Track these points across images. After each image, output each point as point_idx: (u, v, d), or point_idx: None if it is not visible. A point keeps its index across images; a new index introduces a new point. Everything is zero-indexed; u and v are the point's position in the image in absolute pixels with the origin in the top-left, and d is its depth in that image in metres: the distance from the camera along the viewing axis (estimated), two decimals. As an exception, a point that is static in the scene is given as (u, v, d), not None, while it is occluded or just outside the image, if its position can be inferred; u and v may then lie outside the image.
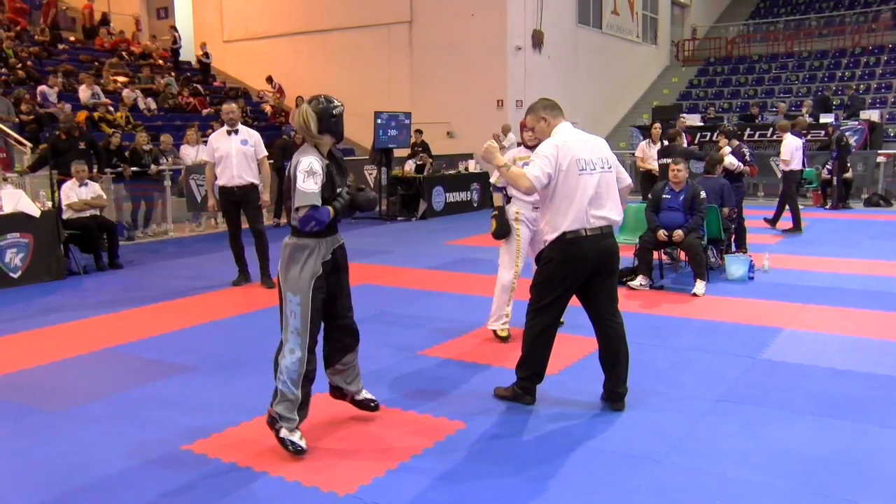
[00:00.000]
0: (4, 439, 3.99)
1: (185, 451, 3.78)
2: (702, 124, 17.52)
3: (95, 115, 13.70)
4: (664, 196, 7.54)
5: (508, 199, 5.57)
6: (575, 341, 5.51)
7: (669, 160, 7.96)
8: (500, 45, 17.82)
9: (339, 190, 3.73)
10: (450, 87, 18.16)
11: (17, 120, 12.47)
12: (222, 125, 7.95)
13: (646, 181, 11.55)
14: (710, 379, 4.78)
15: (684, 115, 18.24)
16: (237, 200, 7.77)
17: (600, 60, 21.09)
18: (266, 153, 8.03)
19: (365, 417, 4.22)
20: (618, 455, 3.67)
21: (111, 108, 14.30)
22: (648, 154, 11.62)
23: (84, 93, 14.51)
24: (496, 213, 5.55)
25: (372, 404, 4.17)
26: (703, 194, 7.41)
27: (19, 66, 14.90)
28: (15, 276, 8.09)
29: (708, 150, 10.58)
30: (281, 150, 12.81)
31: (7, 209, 8.17)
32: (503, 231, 5.55)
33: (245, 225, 7.87)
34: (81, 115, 13.23)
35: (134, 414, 4.33)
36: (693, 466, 3.53)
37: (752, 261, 7.90)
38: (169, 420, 4.22)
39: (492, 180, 5.66)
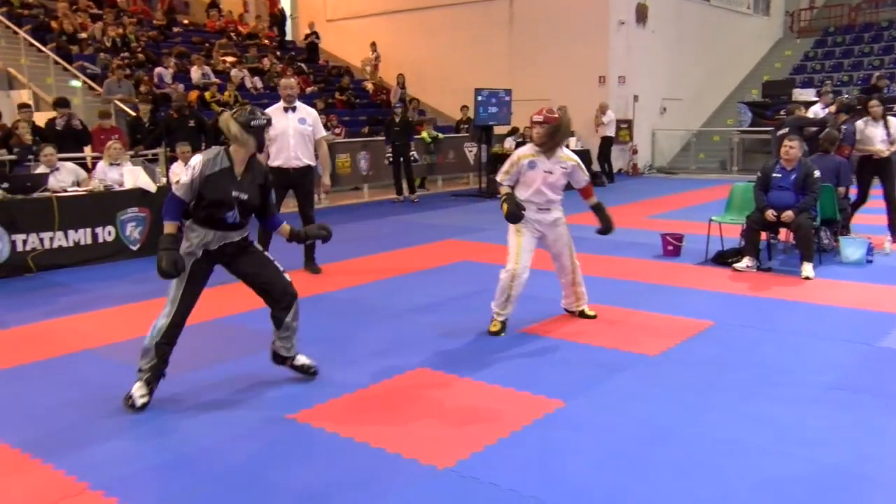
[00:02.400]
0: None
1: (290, 420, 3.92)
2: (816, 99, 16.64)
3: (206, 94, 14.24)
4: (774, 175, 7.21)
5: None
6: (675, 322, 5.40)
7: (783, 132, 7.60)
8: (601, 20, 17.42)
9: (234, 194, 4.12)
10: (550, 63, 17.91)
11: (136, 100, 13.08)
12: (285, 103, 7.21)
13: (867, 166, 8.66)
14: (821, 366, 4.58)
15: (798, 89, 17.44)
16: (291, 184, 7.24)
17: (707, 34, 20.31)
18: (325, 133, 7.43)
19: (464, 393, 4.26)
20: (720, 441, 3.58)
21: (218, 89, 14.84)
22: (870, 136, 8.65)
23: (195, 73, 15.11)
24: (505, 197, 5.32)
25: (311, 370, 4.50)
26: (816, 173, 7.05)
27: (139, 49, 15.63)
28: (134, 248, 8.54)
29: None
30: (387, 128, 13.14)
31: (128, 185, 8.63)
32: (516, 212, 5.28)
33: (283, 210, 7.14)
34: (193, 95, 13.80)
35: (240, 383, 4.51)
36: (802, 455, 3.41)
37: (871, 243, 7.50)
38: (273, 389, 4.39)
39: (499, 178, 5.48)
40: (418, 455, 3.47)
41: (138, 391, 4.09)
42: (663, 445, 3.56)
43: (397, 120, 13.19)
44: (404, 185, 13.55)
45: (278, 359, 4.48)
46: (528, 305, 6.10)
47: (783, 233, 7.78)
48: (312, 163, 7.33)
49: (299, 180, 7.26)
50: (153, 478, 3.34)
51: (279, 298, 4.33)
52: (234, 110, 4.21)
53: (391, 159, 13.43)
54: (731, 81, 22.06)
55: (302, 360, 4.51)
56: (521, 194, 5.35)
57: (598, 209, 5.56)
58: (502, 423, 3.82)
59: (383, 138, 13.81)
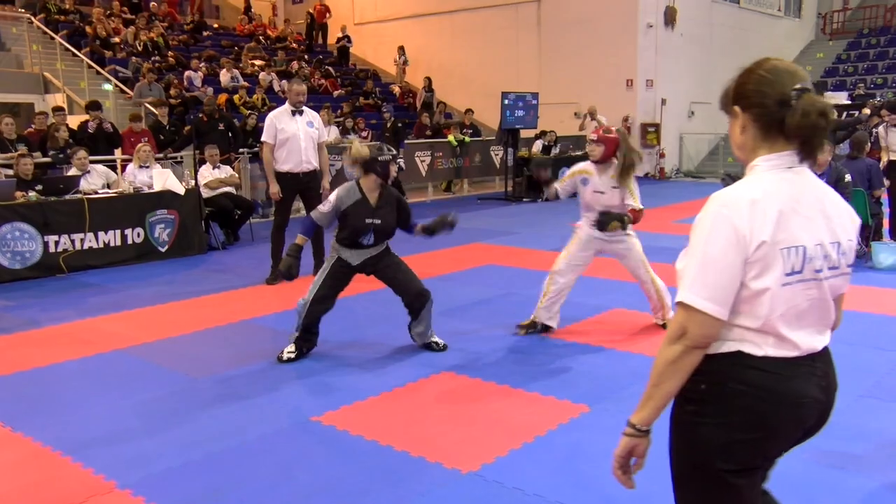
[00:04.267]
0: (159, 401, 4.29)
1: (315, 423, 3.94)
2: (848, 102, 16.42)
3: (235, 97, 14.39)
4: (805, 179, 7.10)
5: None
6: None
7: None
8: (630, 23, 17.33)
9: (367, 222, 4.81)
10: (578, 66, 17.86)
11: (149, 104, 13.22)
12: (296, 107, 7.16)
13: (893, 172, 8.71)
14: (853, 372, 4.48)
15: (829, 92, 17.20)
16: (300, 188, 7.23)
17: (737, 37, 20.11)
18: (327, 137, 7.39)
19: (489, 397, 4.25)
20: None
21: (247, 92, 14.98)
22: (892, 141, 8.76)
23: (224, 76, 15.27)
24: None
25: (440, 346, 5.11)
26: (847, 177, 6.94)
27: (170, 53, 15.84)
28: (163, 249, 8.64)
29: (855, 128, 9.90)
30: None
31: (157, 187, 8.74)
32: (538, 165, 5.63)
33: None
34: (222, 98, 13.94)
35: (266, 384, 4.55)
36: (830, 463, 3.35)
37: (903, 249, 7.37)
38: (298, 391, 4.42)
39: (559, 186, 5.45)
40: (442, 459, 3.47)
41: (287, 349, 4.97)
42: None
43: (388, 125, 13.07)
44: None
45: (417, 341, 5.16)
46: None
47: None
48: (318, 166, 7.33)
49: (308, 184, 7.24)
50: (180, 477, 3.37)
51: (414, 299, 4.99)
52: (364, 144, 4.95)
53: None
54: (762, 84, 21.78)
55: (434, 338, 5.15)
56: (582, 211, 5.40)
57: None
58: (527, 427, 3.80)
59: (413, 141, 13.82)
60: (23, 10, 16.33)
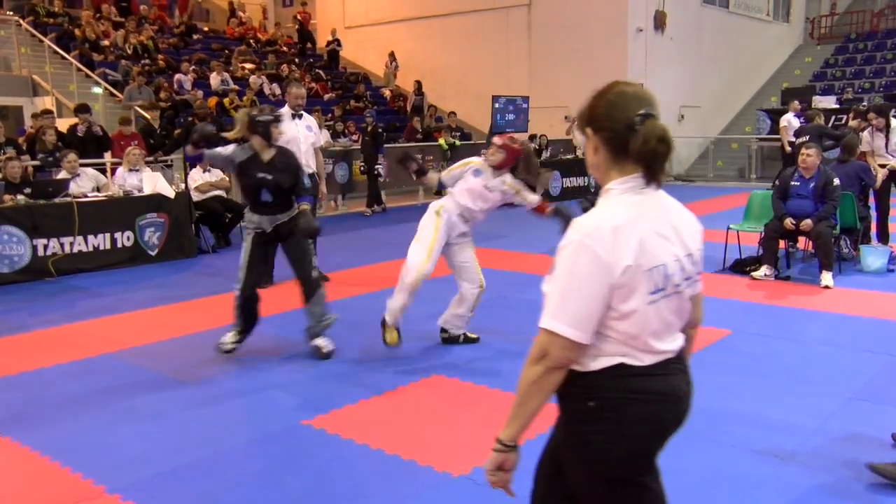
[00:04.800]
0: (149, 405, 4.28)
1: (306, 426, 3.93)
2: (837, 106, 16.53)
3: (225, 101, 14.36)
4: (793, 182, 7.15)
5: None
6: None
7: (802, 140, 7.56)
8: (620, 27, 17.40)
9: (259, 175, 4.89)
10: (568, 70, 17.89)
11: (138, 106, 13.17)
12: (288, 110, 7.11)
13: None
14: (841, 375, 4.53)
15: (817, 96, 17.31)
16: None
17: (726, 41, 20.23)
18: (322, 142, 7.29)
19: (480, 400, 4.26)
20: (739, 450, 3.55)
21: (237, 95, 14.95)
22: (878, 146, 8.63)
23: (214, 80, 15.24)
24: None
25: (323, 352, 5.04)
26: (836, 181, 6.98)
27: (160, 56, 15.80)
28: (153, 253, 8.61)
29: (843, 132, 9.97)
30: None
31: (147, 190, 8.71)
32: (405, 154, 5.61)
33: None
34: (212, 101, 13.91)
35: (256, 387, 4.53)
36: (820, 466, 3.37)
37: (893, 251, 7.42)
38: (289, 395, 4.41)
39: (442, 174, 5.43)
40: (434, 462, 3.47)
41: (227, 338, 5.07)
42: (682, 453, 3.52)
43: (368, 129, 13.04)
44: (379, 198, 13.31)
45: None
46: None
47: (802, 241, 7.72)
48: (316, 170, 7.31)
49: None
50: (170, 481, 3.36)
51: (303, 284, 5.04)
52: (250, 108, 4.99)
53: (363, 170, 12.96)
54: (751, 89, 21.95)
55: (320, 342, 5.09)
56: (462, 199, 5.24)
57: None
58: (518, 430, 3.80)
59: (397, 145, 13.79)
60: (11, 13, 16.25)
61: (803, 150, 7.15)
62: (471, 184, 5.23)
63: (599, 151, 1.84)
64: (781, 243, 7.31)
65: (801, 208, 6.99)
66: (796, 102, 13.01)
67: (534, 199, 5.30)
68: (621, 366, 1.79)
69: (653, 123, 1.76)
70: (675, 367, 1.88)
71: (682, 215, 1.89)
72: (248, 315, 5.05)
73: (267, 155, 4.95)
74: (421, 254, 5.03)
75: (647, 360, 1.81)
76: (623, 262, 1.72)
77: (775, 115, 18.18)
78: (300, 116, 7.17)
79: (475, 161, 5.32)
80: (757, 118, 18.78)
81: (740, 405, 4.10)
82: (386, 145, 13.25)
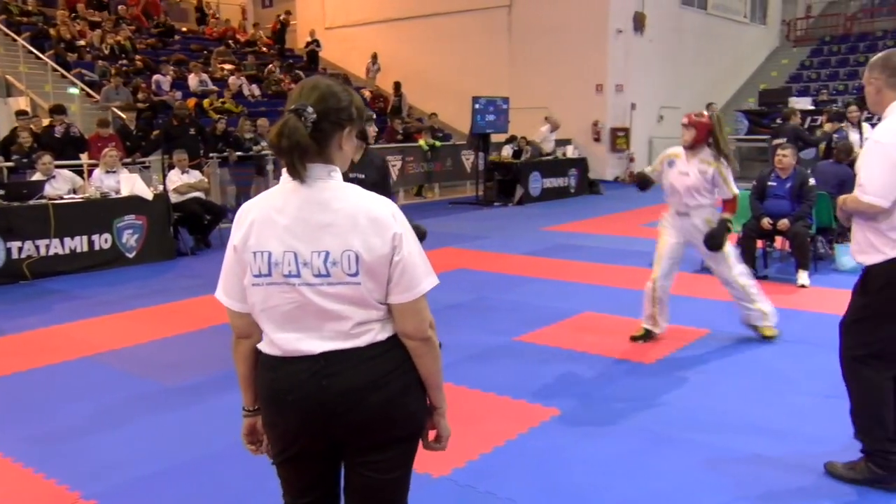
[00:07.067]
0: (127, 408, 4.23)
1: (287, 428, 3.90)
2: (812, 108, 16.72)
3: (205, 102, 14.26)
4: (770, 183, 7.23)
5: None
6: (671, 330, 5.40)
7: (779, 141, 7.62)
8: (600, 29, 17.48)
9: (350, 176, 4.81)
10: (548, 71, 17.96)
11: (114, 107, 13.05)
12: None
13: None
14: (818, 373, 4.58)
15: (794, 97, 17.49)
16: None
17: (705, 43, 20.39)
18: None
19: (460, 401, 4.25)
20: (718, 449, 3.57)
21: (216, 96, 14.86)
22: (854, 142, 8.95)
23: (193, 80, 15.13)
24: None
25: None
26: (812, 181, 7.07)
27: (138, 57, 15.66)
28: (130, 255, 8.53)
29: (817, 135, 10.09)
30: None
31: (125, 192, 8.62)
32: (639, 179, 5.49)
33: None
34: (190, 102, 13.81)
35: (238, 389, 4.49)
36: (797, 464, 3.40)
37: (866, 251, 7.50)
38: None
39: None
40: (414, 463, 3.45)
41: None
42: (660, 453, 3.55)
43: None
44: None
45: None
46: (524, 313, 6.10)
47: (779, 241, 7.79)
48: None
49: None
50: (149, 486, 3.33)
51: None
52: None
53: None
54: (729, 90, 22.13)
55: None
56: (666, 197, 5.29)
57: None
58: (499, 432, 3.81)
59: (379, 146, 13.76)
60: (-17, 12, 16.04)
61: (779, 151, 7.23)
62: (669, 178, 5.22)
63: None
64: (759, 243, 7.38)
65: (777, 208, 7.07)
66: None
67: (735, 192, 5.08)
68: (259, 351, 2.00)
69: (280, 120, 1.81)
70: (295, 367, 1.89)
71: (342, 213, 1.84)
72: None
73: (358, 155, 4.93)
74: (655, 263, 5.24)
75: (266, 348, 1.95)
76: (233, 241, 1.93)
77: (753, 115, 18.38)
78: None
79: (669, 151, 5.29)
80: (735, 119, 18.94)
81: (718, 404, 4.13)
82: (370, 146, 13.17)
